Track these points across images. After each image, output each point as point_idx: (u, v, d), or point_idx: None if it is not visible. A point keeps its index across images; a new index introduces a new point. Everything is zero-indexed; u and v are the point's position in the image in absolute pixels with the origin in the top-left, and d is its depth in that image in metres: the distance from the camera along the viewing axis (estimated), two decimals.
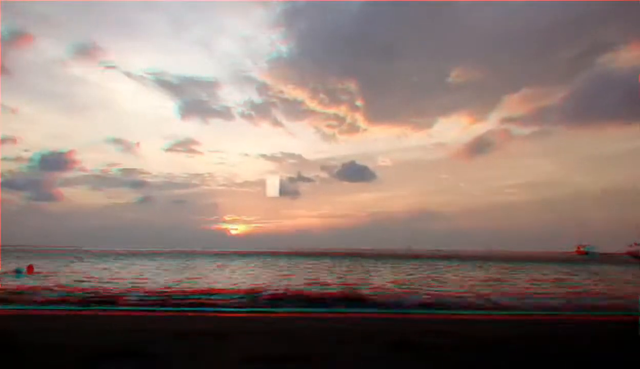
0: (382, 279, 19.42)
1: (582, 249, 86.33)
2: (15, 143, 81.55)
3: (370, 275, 22.29)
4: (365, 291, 13.30)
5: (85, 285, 15.27)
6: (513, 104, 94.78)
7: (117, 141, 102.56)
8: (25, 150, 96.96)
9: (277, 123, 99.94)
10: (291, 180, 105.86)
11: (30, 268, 20.51)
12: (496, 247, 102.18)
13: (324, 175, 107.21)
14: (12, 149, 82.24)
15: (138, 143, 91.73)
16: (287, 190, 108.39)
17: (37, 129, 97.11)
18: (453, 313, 8.76)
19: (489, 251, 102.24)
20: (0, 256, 36.13)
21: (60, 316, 7.44)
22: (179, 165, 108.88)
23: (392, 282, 17.59)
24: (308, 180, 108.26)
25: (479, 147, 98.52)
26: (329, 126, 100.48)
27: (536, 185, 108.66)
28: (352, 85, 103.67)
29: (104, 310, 8.45)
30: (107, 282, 16.55)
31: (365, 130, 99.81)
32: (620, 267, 34.68)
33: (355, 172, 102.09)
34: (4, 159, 74.99)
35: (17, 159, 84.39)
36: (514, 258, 58.30)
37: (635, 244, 59.43)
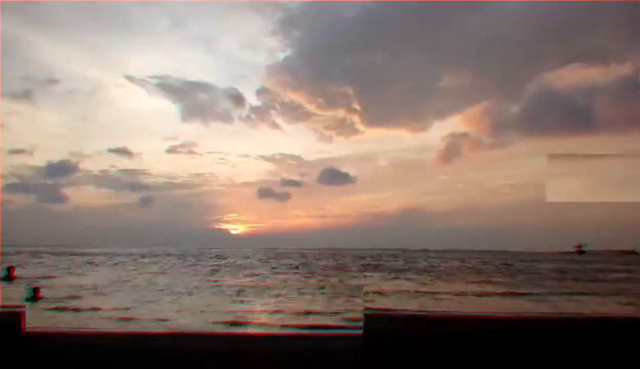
0: None
1: (580, 248, 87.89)
2: (24, 152, 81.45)
3: None
4: None
5: None
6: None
7: (119, 145, 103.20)
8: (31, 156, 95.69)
9: (276, 125, 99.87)
10: (286, 182, 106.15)
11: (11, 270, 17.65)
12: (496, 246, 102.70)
13: (320, 177, 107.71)
14: (20, 157, 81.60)
15: (141, 152, 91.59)
16: (285, 191, 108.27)
17: (39, 132, 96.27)
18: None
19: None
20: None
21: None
22: (180, 166, 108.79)
23: None
24: (301, 184, 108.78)
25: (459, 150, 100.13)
26: (327, 128, 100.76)
27: (533, 185, 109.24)
28: (349, 89, 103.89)
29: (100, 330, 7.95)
30: None
31: (363, 132, 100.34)
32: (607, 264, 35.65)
33: (339, 175, 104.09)
34: (11, 166, 73.88)
35: (25, 166, 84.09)
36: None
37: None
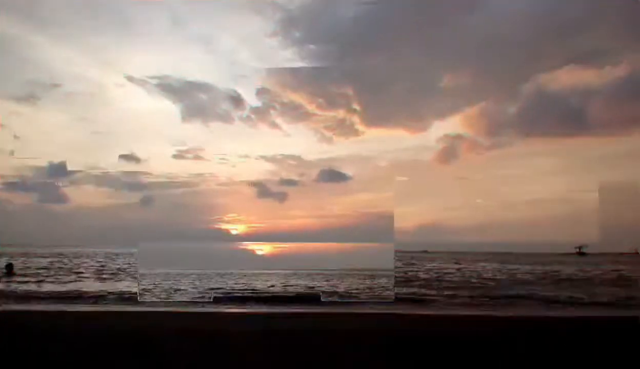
0: None
1: (581, 250, 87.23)
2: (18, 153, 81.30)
3: None
4: None
5: None
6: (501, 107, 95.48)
7: (118, 147, 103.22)
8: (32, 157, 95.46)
9: (275, 126, 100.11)
10: (285, 182, 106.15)
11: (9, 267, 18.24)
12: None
13: (320, 177, 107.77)
14: (19, 157, 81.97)
15: (139, 151, 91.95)
16: (284, 191, 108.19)
17: (39, 133, 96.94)
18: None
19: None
20: None
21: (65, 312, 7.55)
22: (181, 168, 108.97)
23: None
24: (301, 184, 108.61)
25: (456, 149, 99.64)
26: (327, 128, 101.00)
27: (533, 184, 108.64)
28: (349, 89, 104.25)
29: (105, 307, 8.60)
30: None
31: (363, 132, 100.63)
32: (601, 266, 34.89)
33: (338, 175, 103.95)
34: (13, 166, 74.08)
35: (24, 166, 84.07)
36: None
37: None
